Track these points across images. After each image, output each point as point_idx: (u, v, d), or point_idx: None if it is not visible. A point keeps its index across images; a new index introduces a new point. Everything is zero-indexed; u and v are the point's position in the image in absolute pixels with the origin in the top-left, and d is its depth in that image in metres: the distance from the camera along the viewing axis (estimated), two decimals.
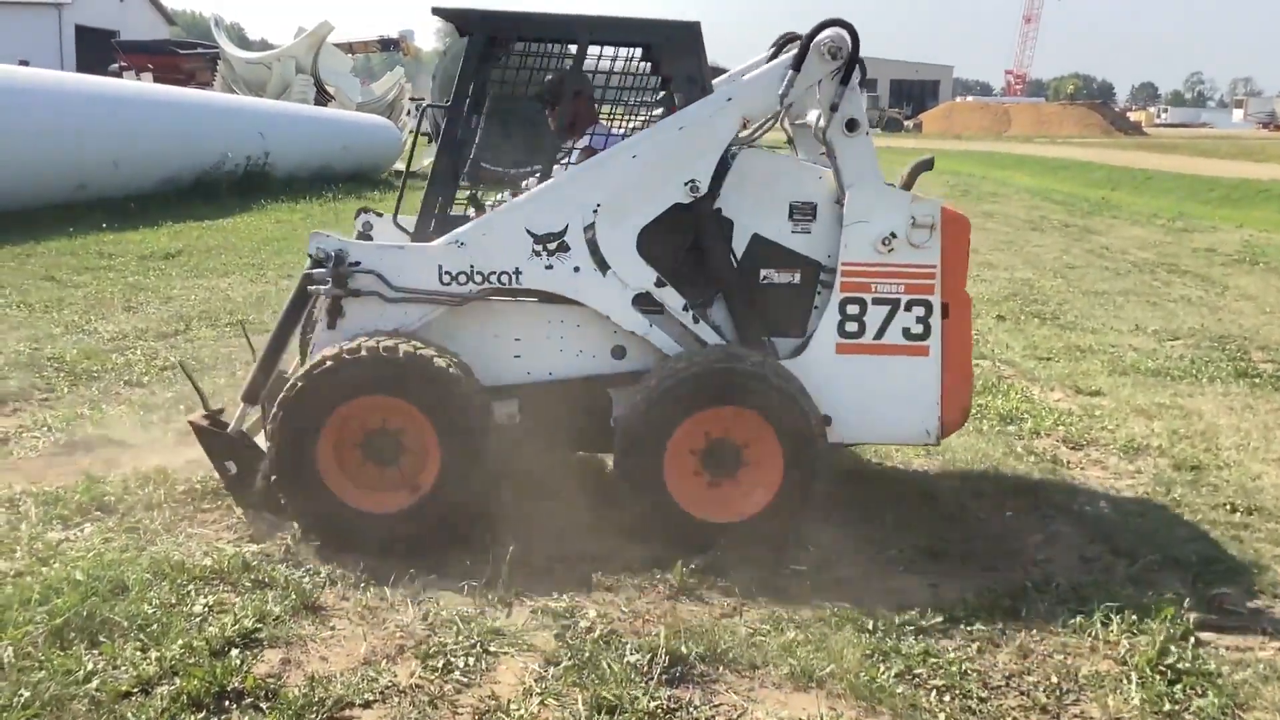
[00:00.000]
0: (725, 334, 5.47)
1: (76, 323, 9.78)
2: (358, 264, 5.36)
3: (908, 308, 5.38)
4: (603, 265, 5.34)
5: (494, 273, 5.34)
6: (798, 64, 5.20)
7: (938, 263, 5.36)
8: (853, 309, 5.39)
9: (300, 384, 5.09)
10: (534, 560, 5.01)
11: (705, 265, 5.46)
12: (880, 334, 5.40)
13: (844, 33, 5.19)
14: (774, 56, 5.89)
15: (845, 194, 5.33)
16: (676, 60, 5.51)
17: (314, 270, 5.41)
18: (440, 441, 5.12)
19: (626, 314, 5.37)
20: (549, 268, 5.34)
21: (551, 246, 5.32)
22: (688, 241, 5.45)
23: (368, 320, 5.36)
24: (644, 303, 5.38)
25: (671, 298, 5.38)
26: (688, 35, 5.44)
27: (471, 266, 5.34)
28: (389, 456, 5.23)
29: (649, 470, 5.16)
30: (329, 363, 5.09)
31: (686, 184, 5.28)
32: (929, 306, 5.38)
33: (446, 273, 5.35)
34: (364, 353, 5.06)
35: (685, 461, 5.22)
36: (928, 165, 5.70)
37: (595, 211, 5.31)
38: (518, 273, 5.34)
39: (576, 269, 5.34)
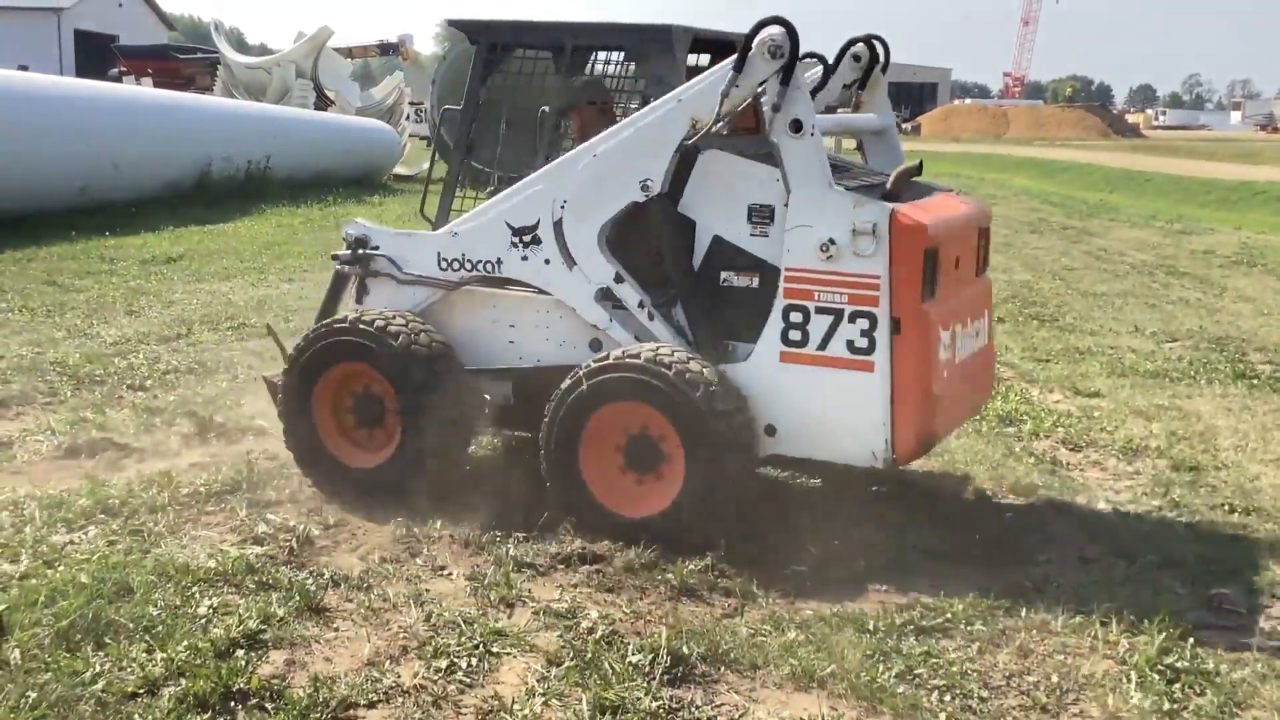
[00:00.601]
0: (689, 334, 5.47)
1: (79, 327, 9.80)
2: (376, 248, 5.99)
3: (851, 319, 5.04)
4: (570, 259, 5.54)
5: (481, 261, 5.76)
6: (739, 65, 5.11)
7: (882, 273, 4.97)
8: (796, 317, 5.15)
9: (297, 350, 5.87)
10: (536, 561, 5.05)
11: (665, 265, 5.51)
12: (824, 345, 5.11)
13: (784, 32, 5.05)
14: (837, 63, 5.94)
15: (789, 197, 5.17)
16: (649, 63, 5.62)
17: (340, 252, 6.07)
18: (399, 407, 5.66)
19: (590, 308, 5.54)
20: (524, 259, 5.65)
21: (526, 239, 5.62)
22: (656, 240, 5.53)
23: (386, 299, 5.97)
24: (609, 297, 5.51)
25: (628, 294, 5.47)
26: (659, 39, 5.55)
27: (463, 255, 5.79)
28: (369, 417, 5.83)
29: (567, 465, 5.34)
30: (321, 330, 5.84)
31: (641, 184, 5.35)
32: (874, 320, 5.00)
33: (444, 259, 5.84)
34: (346, 324, 5.74)
35: (604, 457, 5.34)
36: (915, 170, 5.45)
37: (562, 207, 5.51)
38: (499, 263, 5.72)
39: (547, 261, 5.59)
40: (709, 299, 5.44)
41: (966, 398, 5.72)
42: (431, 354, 5.63)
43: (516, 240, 5.63)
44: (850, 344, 5.06)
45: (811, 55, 5.88)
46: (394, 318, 5.70)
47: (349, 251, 6.01)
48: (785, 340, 5.18)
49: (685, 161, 5.37)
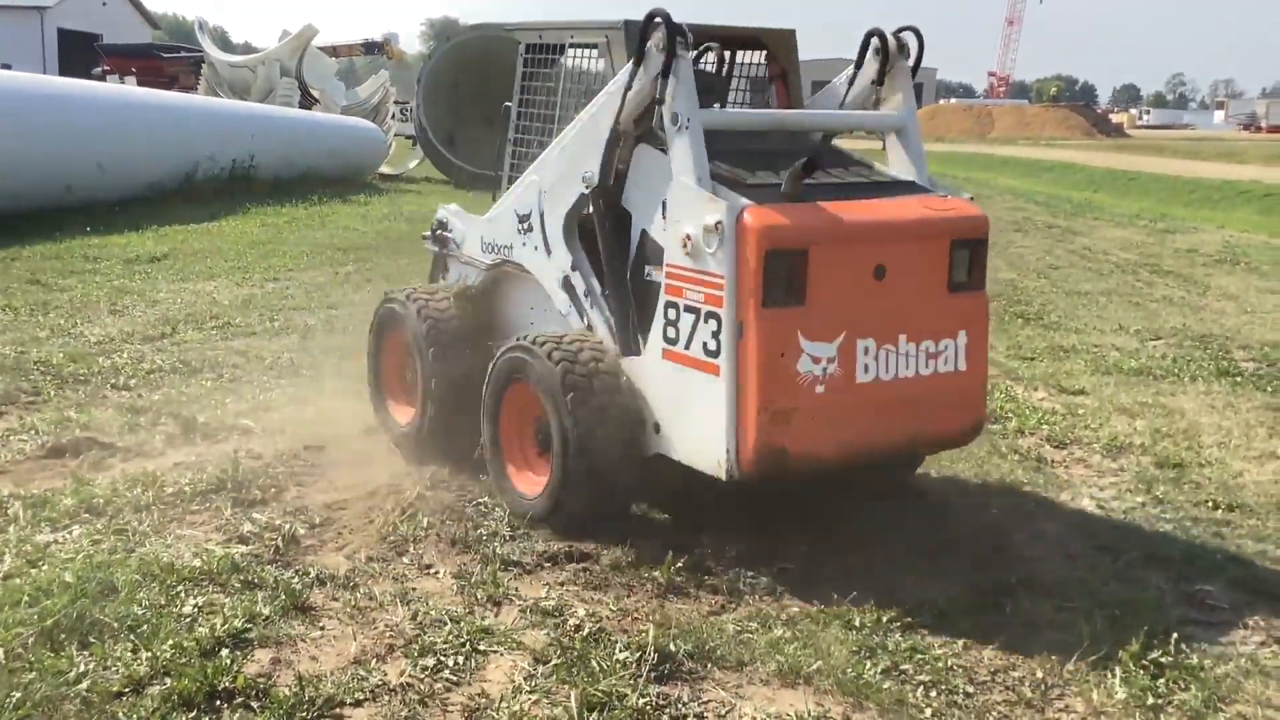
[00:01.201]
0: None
1: (63, 326, 9.75)
2: (450, 230, 6.66)
3: (705, 319, 4.88)
4: (548, 246, 5.76)
5: (501, 246, 6.17)
6: (637, 59, 5.14)
7: (726, 273, 4.77)
8: (671, 314, 5.06)
9: (373, 319, 6.77)
10: (523, 559, 5.04)
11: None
12: (688, 344, 4.97)
13: (663, 24, 5.03)
14: (860, 58, 5.79)
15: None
16: (617, 58, 5.69)
17: (425, 233, 6.91)
18: (421, 375, 6.23)
19: (557, 293, 5.75)
20: (524, 245, 5.96)
21: (524, 227, 5.93)
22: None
23: (455, 276, 6.66)
24: (569, 285, 5.69)
25: (578, 282, 5.62)
26: (619, 36, 5.62)
27: (493, 240, 6.23)
28: (410, 382, 6.48)
29: (493, 441, 5.69)
30: (381, 300, 6.70)
31: (582, 176, 5.46)
32: (720, 321, 4.81)
33: (484, 243, 6.33)
34: (391, 296, 6.57)
35: (522, 436, 5.61)
36: (807, 168, 4.99)
37: (543, 196, 5.74)
38: (510, 248, 6.09)
39: (536, 248, 5.87)
40: (635, 293, 5.41)
41: (889, 423, 5.15)
42: (442, 326, 6.18)
43: (520, 227, 5.95)
44: (705, 345, 4.91)
45: (710, 48, 5.87)
46: (428, 292, 6.42)
47: (431, 233, 6.82)
48: (665, 337, 5.12)
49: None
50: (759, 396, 4.76)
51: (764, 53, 6.22)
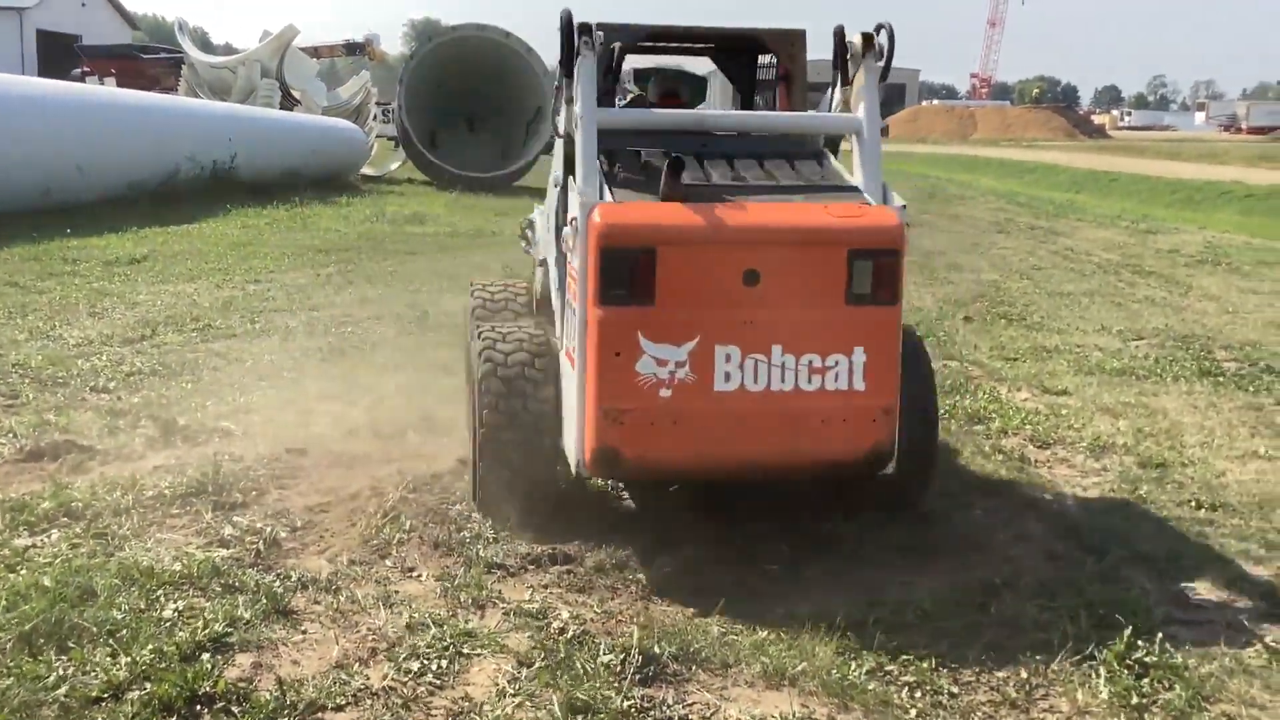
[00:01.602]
0: None
1: (41, 329, 9.67)
2: (533, 230, 6.71)
3: (573, 315, 4.91)
4: (555, 246, 5.79)
5: (546, 244, 6.18)
6: (563, 61, 5.18)
7: (579, 269, 4.79)
8: (567, 310, 5.12)
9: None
10: (506, 562, 5.02)
11: None
12: (570, 339, 5.01)
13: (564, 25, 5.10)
14: (837, 58, 5.67)
15: None
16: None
17: (519, 234, 7.03)
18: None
19: (555, 291, 5.76)
20: (549, 245, 6.00)
21: (554, 224, 5.88)
22: None
23: (540, 274, 6.47)
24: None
25: (555, 279, 5.71)
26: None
27: (543, 240, 6.31)
28: None
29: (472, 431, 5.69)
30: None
31: (553, 177, 5.61)
32: (578, 317, 4.81)
33: (543, 243, 6.34)
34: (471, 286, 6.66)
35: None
36: (674, 169, 4.84)
37: (553, 197, 5.82)
38: (548, 245, 6.06)
39: (551, 247, 5.86)
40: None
41: (757, 437, 4.83)
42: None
43: (548, 227, 6.04)
44: (571, 342, 4.97)
45: (613, 48, 5.85)
46: (495, 286, 6.55)
47: (521, 233, 6.94)
48: (565, 333, 5.24)
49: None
50: (594, 395, 4.74)
51: (769, 55, 6.21)
